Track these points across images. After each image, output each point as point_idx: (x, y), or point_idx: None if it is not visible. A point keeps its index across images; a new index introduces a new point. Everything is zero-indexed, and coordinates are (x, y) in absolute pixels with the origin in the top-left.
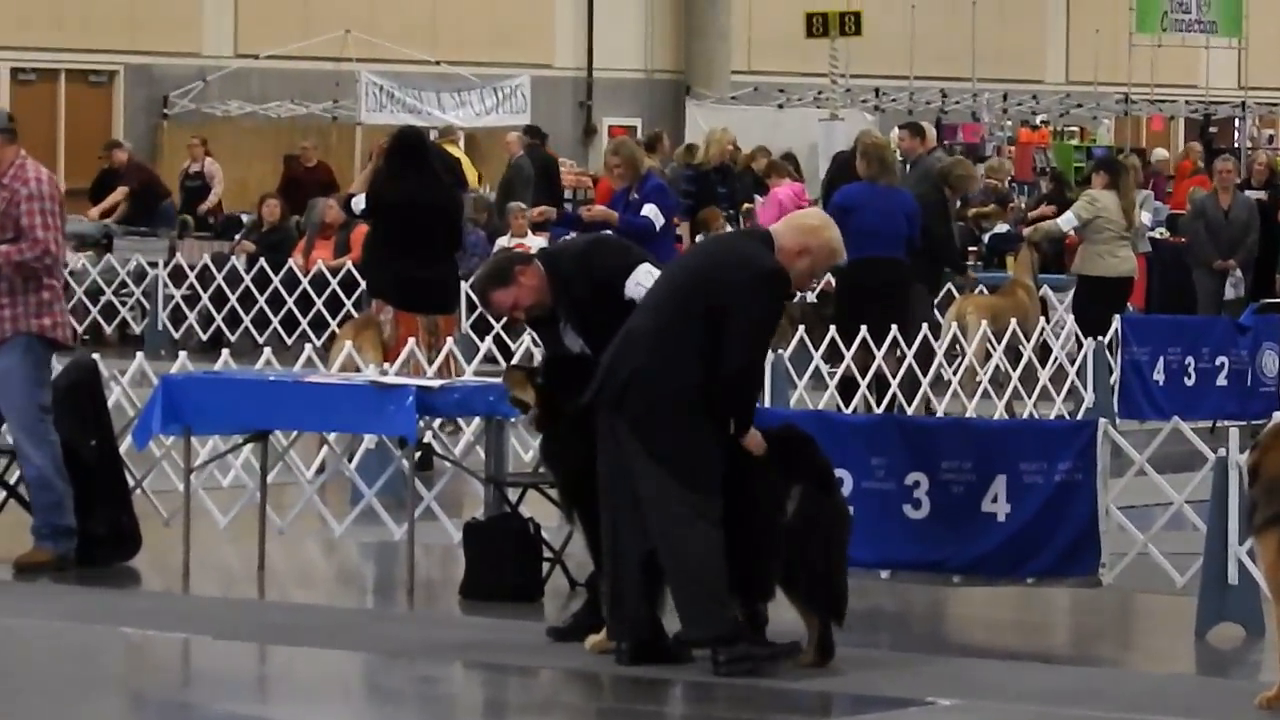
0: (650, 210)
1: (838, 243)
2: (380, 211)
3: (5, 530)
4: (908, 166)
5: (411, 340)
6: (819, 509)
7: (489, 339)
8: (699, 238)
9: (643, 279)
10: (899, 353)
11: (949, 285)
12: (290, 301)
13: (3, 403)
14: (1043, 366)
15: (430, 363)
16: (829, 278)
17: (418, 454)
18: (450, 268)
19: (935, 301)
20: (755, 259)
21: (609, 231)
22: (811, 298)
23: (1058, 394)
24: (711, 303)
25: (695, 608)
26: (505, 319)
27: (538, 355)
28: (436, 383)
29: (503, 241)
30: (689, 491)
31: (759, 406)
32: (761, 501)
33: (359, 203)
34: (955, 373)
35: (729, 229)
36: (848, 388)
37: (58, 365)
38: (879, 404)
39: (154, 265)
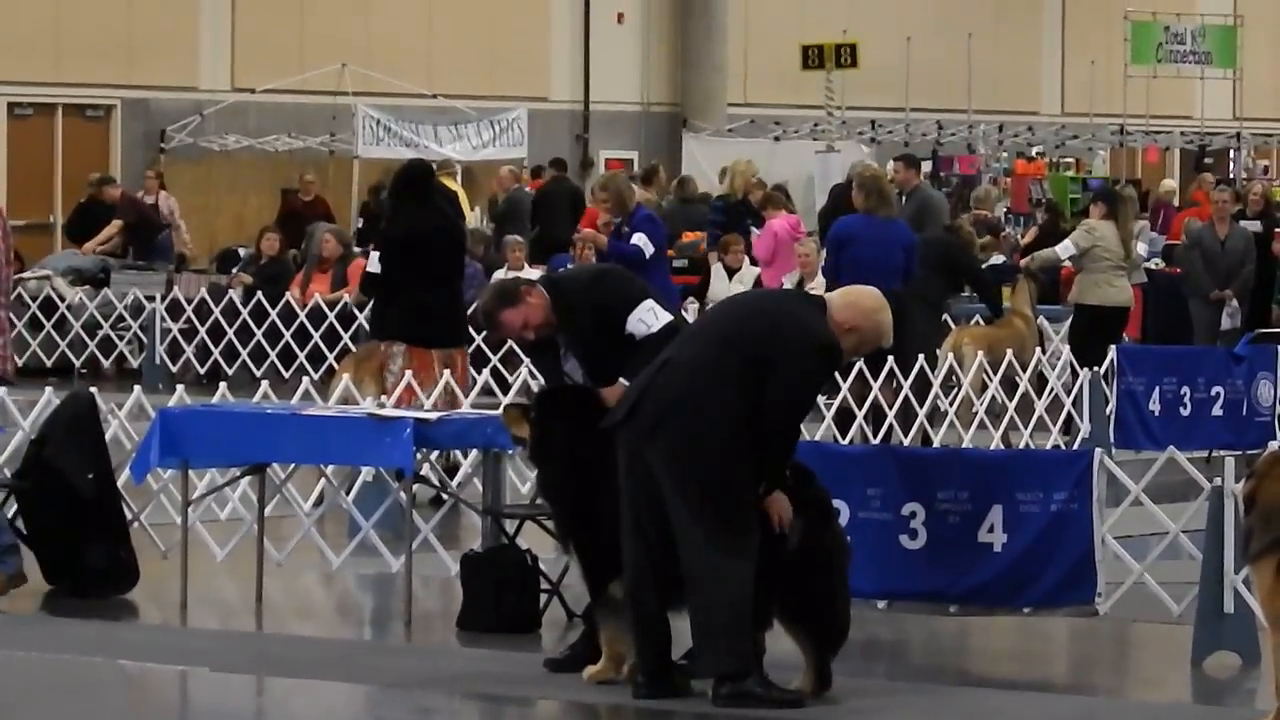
0: (639, 239)
1: (887, 328)
2: (389, 247)
3: None
4: (903, 199)
5: (409, 374)
6: (819, 540)
7: (486, 371)
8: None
9: (645, 316)
10: (895, 384)
11: (944, 317)
12: (288, 335)
13: None
14: (1039, 397)
15: (464, 394)
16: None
17: (415, 488)
18: (458, 297)
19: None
20: (813, 328)
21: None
22: None
23: (1054, 424)
24: (760, 353)
25: (711, 639)
26: (510, 342)
27: (535, 387)
28: (434, 415)
29: (500, 274)
30: (722, 525)
31: None
32: (767, 533)
33: (374, 264)
34: (951, 403)
35: (747, 258)
36: (844, 419)
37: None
38: (875, 435)
39: (151, 299)
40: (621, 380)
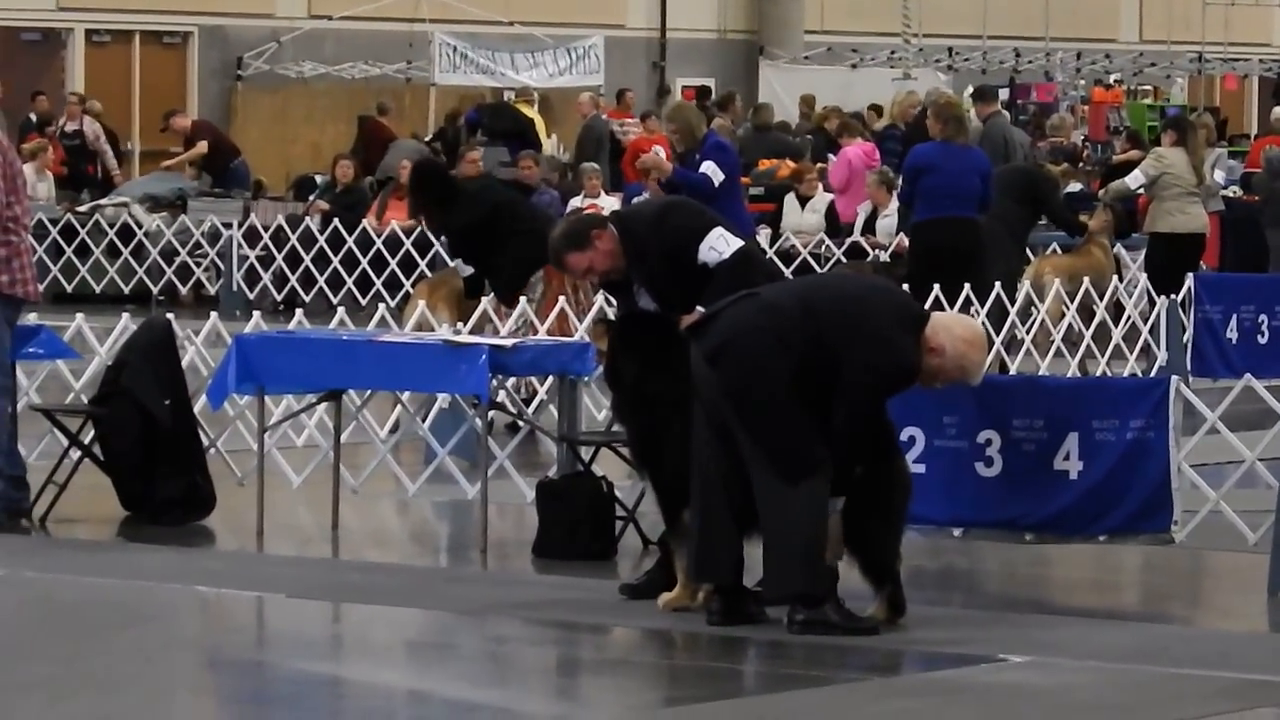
0: (708, 167)
1: (972, 365)
2: (465, 244)
3: (83, 491)
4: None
5: (562, 298)
6: (878, 474)
7: (561, 299)
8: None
9: (716, 243)
10: (972, 312)
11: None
12: (364, 262)
13: None
14: (1116, 325)
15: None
16: (902, 236)
17: (491, 415)
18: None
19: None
20: (893, 341)
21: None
22: (884, 257)
23: (1131, 353)
24: (829, 340)
25: (782, 564)
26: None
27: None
28: (509, 341)
29: (575, 202)
30: (789, 455)
31: None
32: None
33: (464, 269)
34: (1029, 331)
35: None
36: None
37: (101, 323)
38: None
39: (228, 226)
40: (699, 308)
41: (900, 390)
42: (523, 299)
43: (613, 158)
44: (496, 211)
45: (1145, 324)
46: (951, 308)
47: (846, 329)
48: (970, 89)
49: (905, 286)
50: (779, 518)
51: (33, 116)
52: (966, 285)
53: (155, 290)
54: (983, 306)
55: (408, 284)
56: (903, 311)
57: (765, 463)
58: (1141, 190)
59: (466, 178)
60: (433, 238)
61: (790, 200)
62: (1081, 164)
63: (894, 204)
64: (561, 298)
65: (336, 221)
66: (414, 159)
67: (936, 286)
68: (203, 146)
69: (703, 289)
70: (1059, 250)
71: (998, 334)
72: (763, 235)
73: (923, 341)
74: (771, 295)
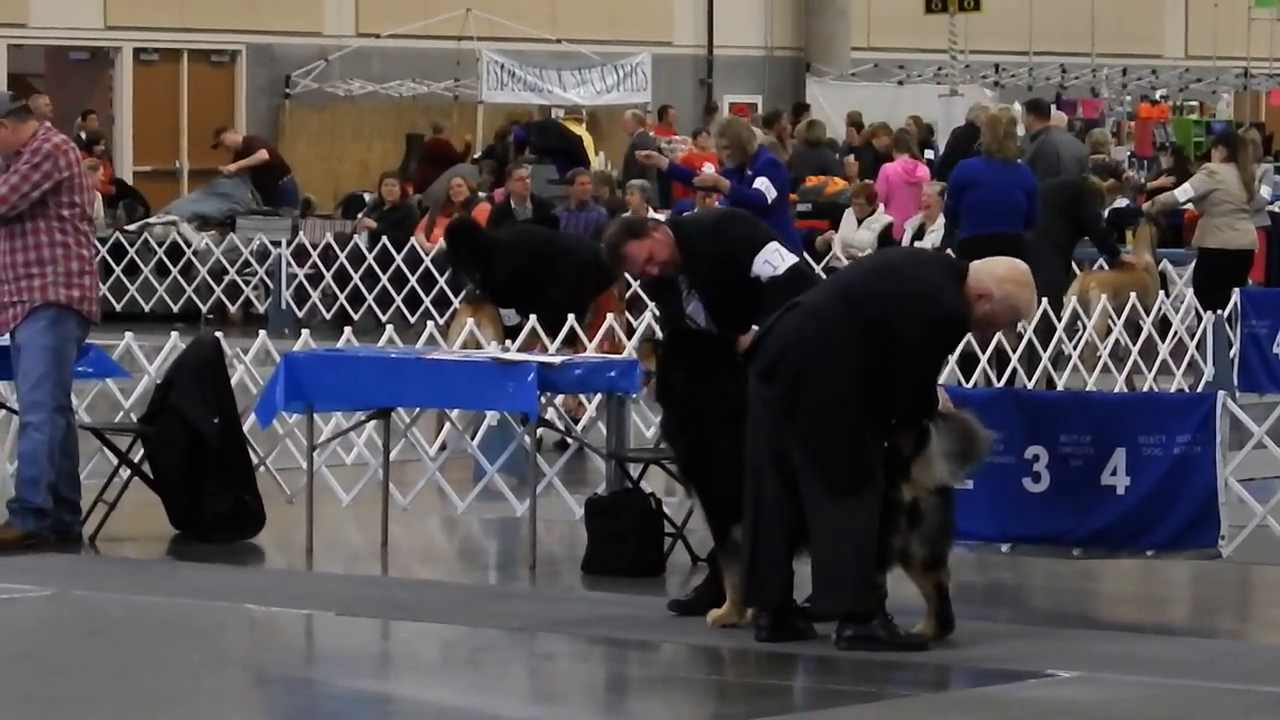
0: (762, 183)
1: (1022, 302)
2: (508, 294)
3: (132, 509)
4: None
5: (610, 316)
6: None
7: (610, 318)
8: None
9: (771, 258)
10: (1019, 328)
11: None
12: (413, 279)
13: (20, 370)
14: (1162, 340)
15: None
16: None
17: (540, 432)
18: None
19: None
20: (938, 295)
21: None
22: None
23: (1177, 368)
24: (880, 314)
25: (831, 581)
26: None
27: (660, 332)
28: (558, 359)
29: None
30: (841, 470)
31: None
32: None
33: (511, 317)
34: (1076, 347)
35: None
36: (968, 362)
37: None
38: (999, 378)
39: (277, 244)
40: (755, 327)
41: (955, 341)
42: (570, 317)
43: (660, 174)
44: (536, 257)
45: (1192, 339)
46: None
47: (889, 298)
48: (1016, 104)
49: None
50: (828, 534)
51: (82, 135)
52: None
53: (204, 309)
54: (1029, 322)
55: (456, 301)
56: (941, 265)
57: (818, 476)
58: (1189, 205)
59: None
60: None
61: (849, 216)
62: (1124, 179)
63: (938, 221)
64: (610, 315)
65: (385, 239)
66: (464, 176)
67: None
68: (263, 154)
69: (753, 302)
70: (1104, 266)
71: (1044, 350)
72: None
73: (967, 291)
74: (811, 301)
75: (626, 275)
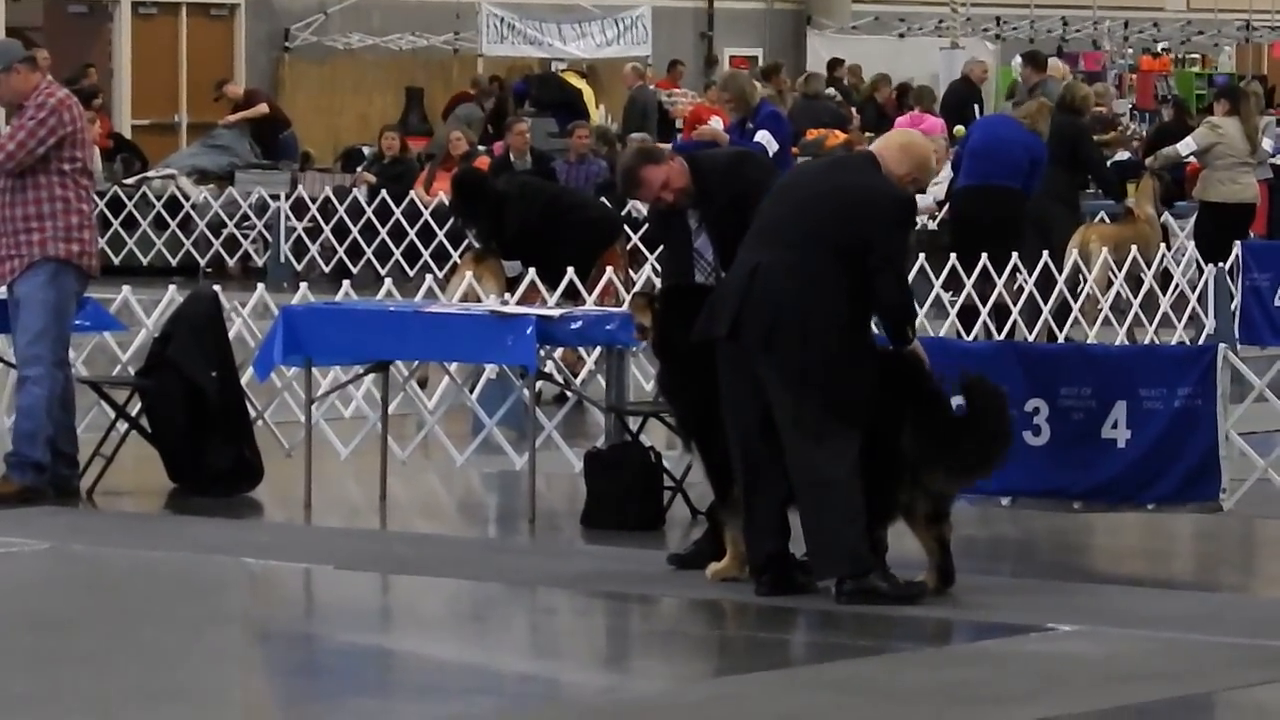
0: (763, 136)
1: (925, 155)
2: (517, 249)
3: (130, 463)
4: (1029, 94)
5: (611, 269)
6: (933, 420)
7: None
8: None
9: None
10: (1019, 281)
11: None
12: (412, 233)
13: (19, 324)
14: (1164, 293)
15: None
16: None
17: (539, 385)
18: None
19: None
20: (886, 190)
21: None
22: (932, 225)
23: (1179, 321)
24: (852, 238)
25: (825, 544)
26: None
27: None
28: (556, 312)
29: None
30: (840, 426)
31: (877, 334)
32: (881, 429)
33: (513, 268)
34: (1076, 300)
35: None
36: (968, 316)
37: (131, 298)
38: (999, 331)
39: (276, 198)
40: None
41: (912, 220)
42: (570, 270)
43: (660, 128)
44: (545, 212)
45: (1193, 292)
46: (999, 276)
47: (853, 219)
48: (1017, 58)
49: (952, 255)
50: (818, 498)
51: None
52: (1014, 255)
53: (202, 262)
54: (1030, 275)
55: (455, 255)
56: (865, 163)
57: (808, 441)
58: (1191, 158)
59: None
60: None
61: None
62: (1122, 129)
63: (945, 172)
64: (610, 268)
65: (384, 193)
66: (464, 132)
67: (984, 255)
68: (263, 107)
69: None
70: (1106, 219)
71: (1045, 302)
72: None
73: (894, 175)
74: (782, 259)
75: (639, 201)
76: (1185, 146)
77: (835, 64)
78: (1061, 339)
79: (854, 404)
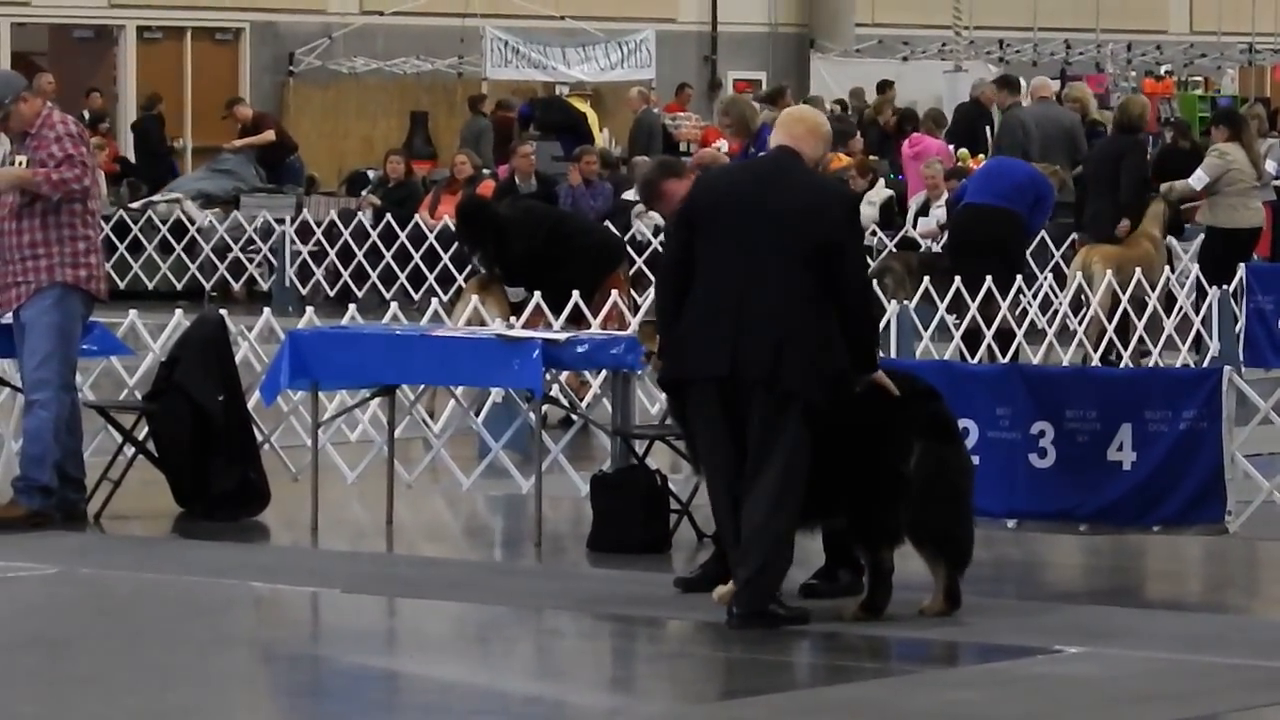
0: None
1: (820, 133)
2: (521, 274)
3: (137, 487)
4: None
5: (615, 293)
6: (942, 460)
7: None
8: None
9: None
10: (1023, 304)
11: (1074, 235)
12: (416, 257)
13: (26, 349)
14: (1167, 316)
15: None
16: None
17: (545, 409)
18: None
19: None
20: (831, 188)
21: None
22: (936, 248)
23: (1182, 343)
24: (819, 246)
25: (753, 582)
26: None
27: None
28: (562, 336)
29: (629, 194)
30: (793, 480)
31: (882, 356)
32: (885, 452)
33: (517, 294)
34: (1080, 323)
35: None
36: (973, 339)
37: (157, 322)
38: (1004, 354)
39: (281, 222)
40: None
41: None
42: (575, 293)
43: (665, 151)
44: (550, 237)
45: (1197, 315)
46: (1003, 298)
47: (815, 218)
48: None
49: (956, 278)
50: (767, 542)
51: (85, 114)
52: (1018, 277)
53: (208, 286)
54: (1034, 298)
55: (460, 279)
56: (794, 161)
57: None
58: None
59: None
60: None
61: None
62: None
63: (946, 196)
64: (615, 291)
65: (389, 217)
66: (469, 155)
67: (989, 278)
68: (269, 134)
69: None
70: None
71: (1049, 325)
72: None
73: (815, 161)
74: (757, 285)
75: (658, 213)
76: (1198, 180)
77: (857, 93)
78: (1065, 362)
79: (809, 453)
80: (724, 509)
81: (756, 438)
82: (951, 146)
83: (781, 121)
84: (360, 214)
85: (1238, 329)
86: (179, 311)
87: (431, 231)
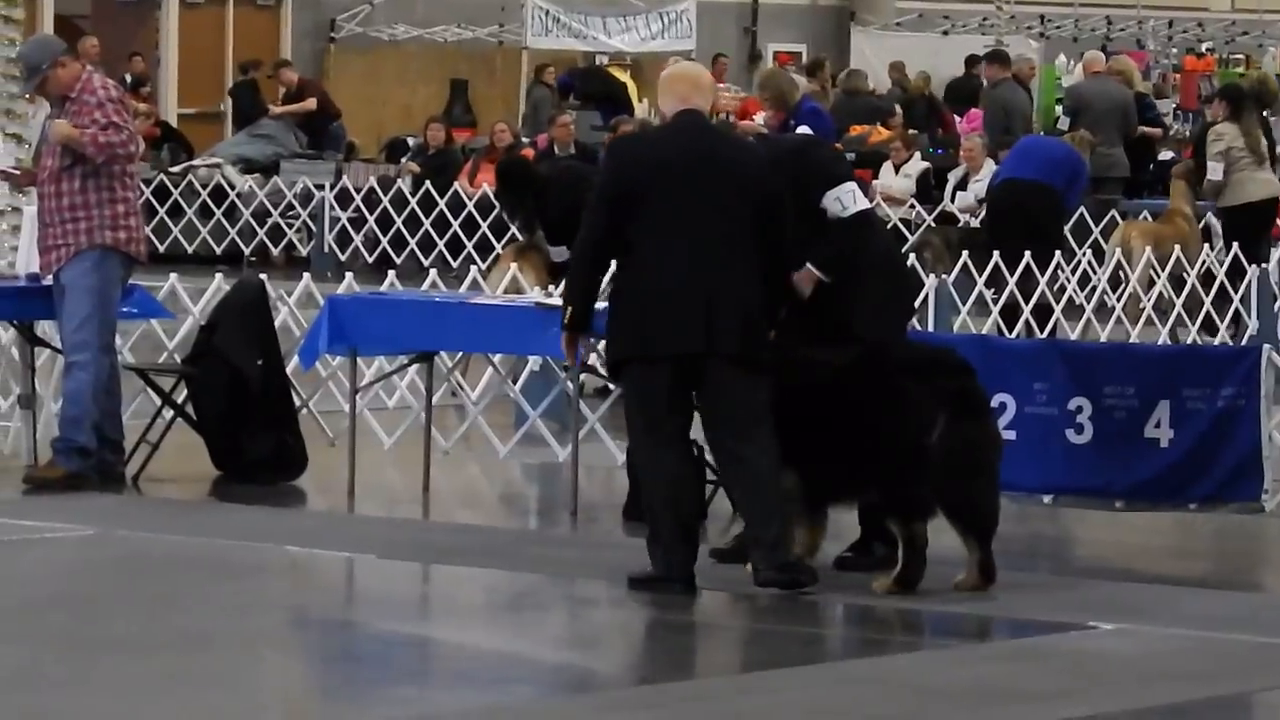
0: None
1: (697, 80)
2: (562, 233)
3: (175, 450)
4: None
5: None
6: (968, 434)
7: None
8: None
9: (843, 196)
10: (1061, 280)
11: (1112, 211)
12: (455, 224)
13: (65, 311)
14: (1206, 293)
15: None
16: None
17: (582, 378)
18: None
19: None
20: (747, 141)
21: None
22: (974, 223)
23: (1221, 320)
24: (764, 200)
25: (774, 532)
26: None
27: None
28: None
29: None
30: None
31: (920, 329)
32: (910, 425)
33: (562, 254)
34: (1119, 299)
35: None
36: (1011, 313)
37: (192, 285)
38: (1041, 330)
39: (320, 188)
40: (809, 265)
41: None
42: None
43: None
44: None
45: (1236, 293)
46: (1041, 274)
47: (763, 189)
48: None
49: (995, 253)
50: (763, 486)
51: (128, 77)
52: (1057, 252)
53: (247, 251)
54: (1073, 273)
55: (499, 247)
56: (725, 133)
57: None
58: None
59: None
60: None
61: (887, 166)
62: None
63: (987, 170)
64: None
65: (428, 184)
66: (509, 123)
67: (1027, 254)
68: (311, 103)
69: (813, 233)
70: (1149, 216)
71: (1088, 301)
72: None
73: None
74: (717, 260)
75: None
76: (1215, 172)
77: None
78: (1103, 338)
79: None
80: (673, 475)
81: (730, 403)
82: None
83: (670, 85)
84: (399, 181)
85: (1276, 307)
86: (219, 276)
87: (470, 199)
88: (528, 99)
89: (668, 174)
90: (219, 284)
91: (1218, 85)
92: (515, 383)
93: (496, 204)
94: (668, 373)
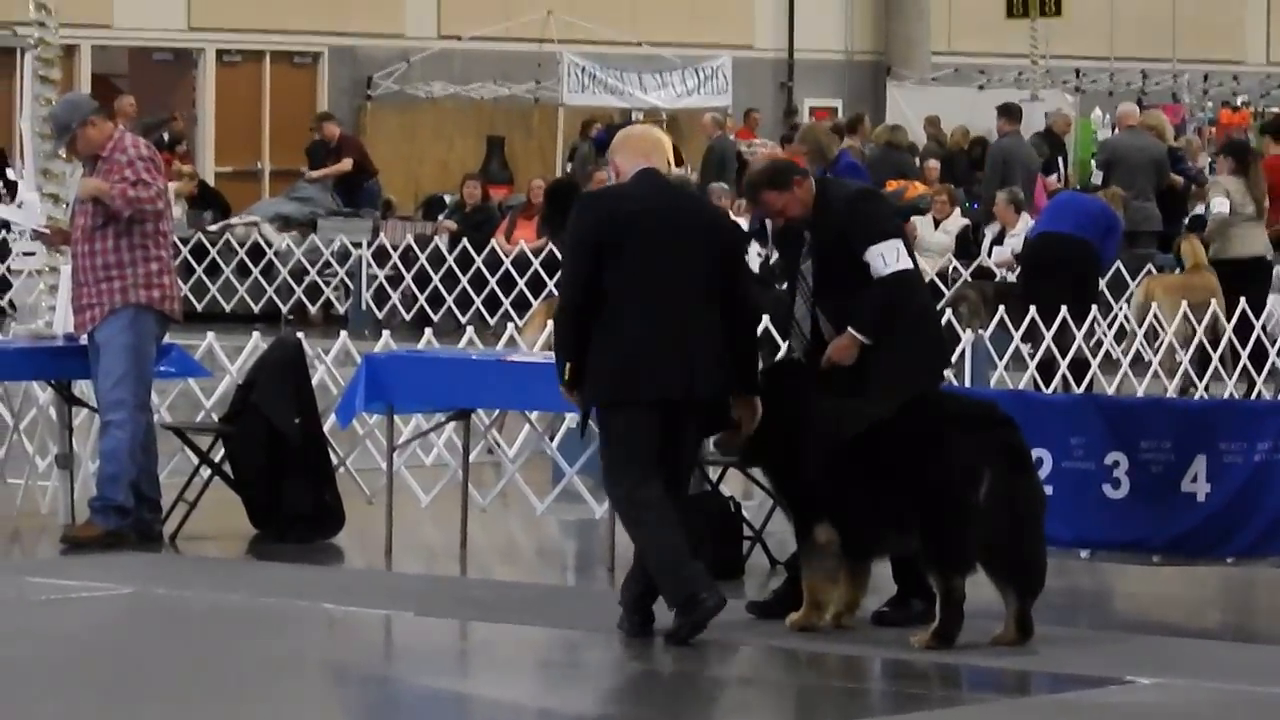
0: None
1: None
2: None
3: (213, 508)
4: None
5: None
6: (1014, 488)
7: None
8: None
9: (886, 252)
10: (1098, 334)
11: (1149, 266)
12: (493, 281)
13: (100, 369)
14: (1243, 347)
15: None
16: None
17: None
18: None
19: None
20: (707, 200)
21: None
22: (1011, 277)
23: (1258, 374)
24: (724, 258)
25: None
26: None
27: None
28: None
29: None
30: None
31: (956, 384)
32: (955, 478)
33: None
34: (1155, 353)
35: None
36: (1048, 369)
37: (211, 342)
38: (1079, 384)
39: (358, 245)
40: (850, 330)
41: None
42: None
43: (739, 177)
44: None
45: (1272, 346)
46: (1078, 328)
47: (726, 249)
48: (1096, 110)
49: (1031, 308)
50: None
51: (165, 136)
52: (1094, 307)
53: (284, 309)
54: (1109, 328)
55: (535, 304)
56: (678, 186)
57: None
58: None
59: None
60: (559, 255)
61: (926, 221)
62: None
63: (1021, 225)
64: None
65: (465, 241)
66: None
67: (1064, 308)
68: (347, 164)
69: (856, 285)
70: (1153, 270)
71: (1124, 355)
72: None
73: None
74: (694, 319)
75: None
76: (1219, 205)
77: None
78: (1140, 392)
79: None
80: (661, 504)
81: (687, 451)
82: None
83: (629, 145)
84: (437, 238)
85: None
86: (256, 334)
87: (507, 256)
88: (573, 155)
89: (639, 225)
90: (256, 342)
91: (1253, 139)
92: (552, 439)
93: (532, 260)
94: (656, 417)
